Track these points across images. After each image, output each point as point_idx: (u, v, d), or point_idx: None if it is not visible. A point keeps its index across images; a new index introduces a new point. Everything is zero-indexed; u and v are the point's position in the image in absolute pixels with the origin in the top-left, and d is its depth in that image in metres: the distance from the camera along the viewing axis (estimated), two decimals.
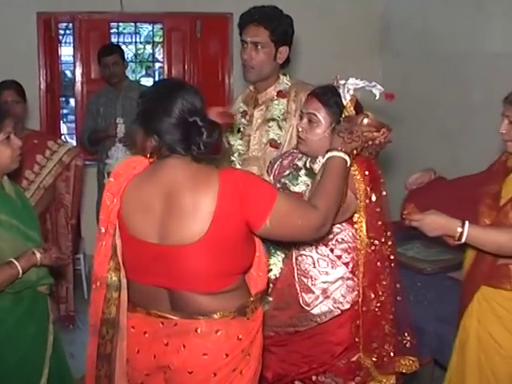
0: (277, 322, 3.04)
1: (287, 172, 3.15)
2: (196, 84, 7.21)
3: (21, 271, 2.97)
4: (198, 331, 2.46)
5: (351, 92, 2.91)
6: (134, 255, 2.51)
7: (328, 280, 2.98)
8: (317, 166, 2.99)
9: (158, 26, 8.10)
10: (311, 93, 3.03)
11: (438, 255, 4.49)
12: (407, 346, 3.01)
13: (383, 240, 2.93)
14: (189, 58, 7.41)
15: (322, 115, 2.94)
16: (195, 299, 2.46)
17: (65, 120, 9.15)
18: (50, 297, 3.36)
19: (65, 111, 9.18)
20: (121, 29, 8.83)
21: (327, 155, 2.71)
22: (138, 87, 5.99)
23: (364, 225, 2.89)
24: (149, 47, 9.08)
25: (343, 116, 2.89)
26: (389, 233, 2.94)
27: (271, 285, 3.09)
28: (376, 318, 2.93)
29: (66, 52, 8.32)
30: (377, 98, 2.89)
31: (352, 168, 2.80)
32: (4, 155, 3.02)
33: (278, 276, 3.11)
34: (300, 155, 3.13)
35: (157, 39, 8.54)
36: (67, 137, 9.07)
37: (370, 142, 2.82)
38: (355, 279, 2.95)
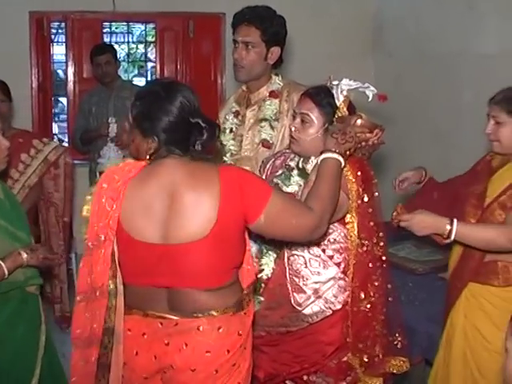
0: (268, 322, 3.05)
1: (280, 172, 3.15)
2: (188, 84, 7.18)
3: (6, 272, 2.96)
4: (201, 329, 2.48)
5: (344, 93, 2.92)
6: (134, 258, 2.49)
7: (320, 280, 2.98)
8: (309, 167, 2.99)
9: (150, 26, 8.09)
10: (304, 93, 3.03)
11: (430, 256, 4.50)
12: (398, 346, 3.02)
13: (375, 241, 2.94)
14: (181, 58, 7.41)
15: (315, 115, 2.94)
16: (196, 296, 2.47)
17: (57, 119, 9.11)
18: (42, 297, 3.35)
19: (57, 110, 9.14)
20: (113, 28, 8.80)
21: (321, 157, 2.72)
22: (131, 87, 5.98)
23: (355, 225, 2.90)
24: (141, 47, 9.07)
25: (336, 116, 2.90)
26: (381, 233, 2.95)
27: (263, 285, 3.10)
28: (367, 319, 2.93)
29: (59, 51, 8.29)
30: (370, 99, 2.90)
31: (344, 168, 2.80)
32: None
33: (269, 276, 3.11)
34: (292, 155, 3.13)
35: (149, 39, 8.52)
36: (59, 136, 9.04)
37: (364, 143, 2.83)
38: (347, 279, 2.96)
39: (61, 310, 5.15)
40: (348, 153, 2.77)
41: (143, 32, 8.63)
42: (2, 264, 2.96)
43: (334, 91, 2.93)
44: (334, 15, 7.18)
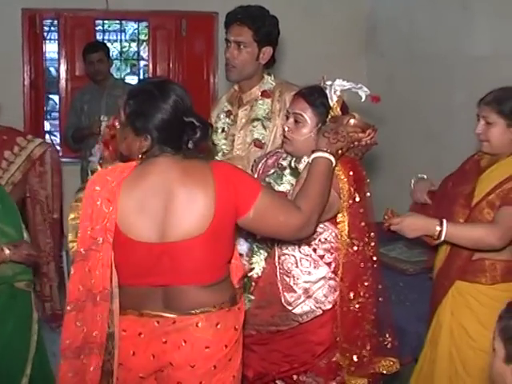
0: (258, 321, 3.05)
1: (272, 171, 3.15)
2: (181, 83, 7.15)
3: None
4: (199, 325, 2.49)
5: (338, 93, 2.92)
6: (131, 259, 2.48)
7: (310, 280, 2.98)
8: (302, 166, 2.99)
9: (143, 24, 8.08)
10: (298, 93, 3.03)
11: (421, 256, 4.50)
12: (388, 346, 3.03)
13: (366, 241, 2.94)
14: (174, 57, 7.39)
15: (308, 115, 2.94)
16: (193, 293, 2.49)
17: (48, 117, 9.09)
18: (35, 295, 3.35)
19: (48, 108, 9.12)
20: (106, 26, 8.80)
21: (312, 156, 2.73)
22: (123, 85, 5.97)
23: (346, 225, 2.90)
24: (134, 45, 9.09)
25: (329, 116, 2.90)
26: (372, 234, 2.95)
27: (253, 283, 3.11)
28: (357, 319, 2.93)
29: (51, 49, 8.27)
30: (362, 99, 2.90)
31: (336, 168, 2.81)
32: None
33: (260, 274, 3.12)
34: (285, 155, 3.13)
35: (142, 37, 8.52)
36: (53, 138, 9.03)
37: (356, 143, 2.84)
38: (337, 279, 2.96)
39: (51, 309, 5.11)
40: (340, 152, 2.77)
41: (136, 30, 8.63)
42: None
43: (327, 91, 2.94)
44: (327, 15, 7.18)
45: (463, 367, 3.21)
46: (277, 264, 3.03)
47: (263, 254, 3.13)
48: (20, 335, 3.20)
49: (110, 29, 9.22)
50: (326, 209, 2.78)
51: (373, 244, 2.95)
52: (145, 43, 8.23)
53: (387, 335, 3.01)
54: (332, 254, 2.98)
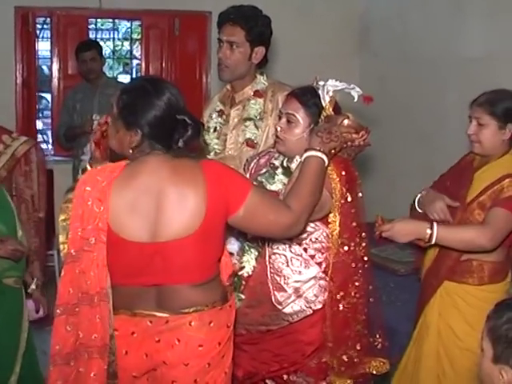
0: (248, 320, 3.05)
1: (264, 170, 3.15)
2: (173, 82, 7.19)
3: None
4: (192, 324, 2.49)
5: (330, 93, 2.92)
6: (123, 258, 2.47)
7: (301, 279, 2.98)
8: (294, 166, 2.99)
9: (136, 23, 8.08)
10: (291, 93, 3.04)
11: (412, 257, 4.50)
12: (378, 347, 3.03)
13: (357, 241, 2.94)
14: (166, 56, 7.40)
15: (300, 115, 2.95)
16: (185, 292, 2.49)
17: (41, 115, 9.08)
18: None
19: (41, 107, 9.11)
20: (99, 25, 8.78)
21: (305, 154, 2.74)
22: (116, 84, 5.96)
23: (337, 224, 2.90)
24: (127, 44, 9.06)
25: (323, 116, 2.91)
26: (363, 234, 2.96)
27: (244, 282, 3.11)
28: (347, 319, 2.94)
29: (43, 47, 8.27)
30: (355, 100, 2.91)
31: (329, 168, 2.81)
32: None
33: (250, 274, 3.12)
34: (277, 154, 3.13)
35: (135, 36, 8.51)
36: (44, 132, 9.02)
37: (349, 144, 2.84)
38: (328, 279, 2.96)
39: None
40: (333, 152, 2.78)
41: (129, 29, 8.62)
42: None
43: (320, 92, 2.94)
44: (320, 15, 7.19)
45: (451, 366, 3.24)
46: (267, 263, 3.03)
47: (254, 253, 3.13)
48: (9, 332, 3.19)
49: (102, 27, 9.20)
50: (318, 208, 2.78)
51: (364, 244, 2.96)
52: (138, 42, 8.21)
53: (377, 336, 3.01)
54: (323, 253, 2.98)
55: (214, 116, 3.64)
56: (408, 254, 4.57)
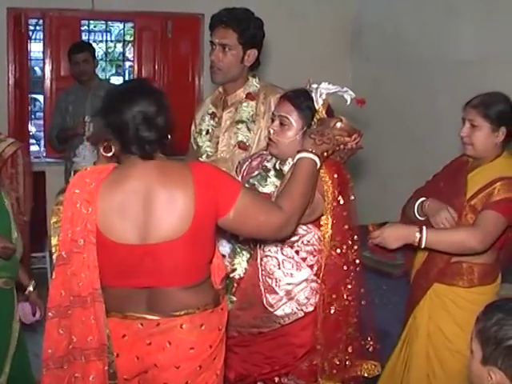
0: (240, 322, 3.04)
1: (256, 173, 3.15)
2: (166, 84, 7.21)
3: None
4: (183, 327, 2.49)
5: (324, 96, 2.92)
6: (113, 260, 2.47)
7: (292, 282, 2.98)
8: (286, 168, 2.99)
9: (129, 25, 8.07)
10: (284, 95, 3.04)
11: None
12: (370, 350, 3.03)
13: (350, 244, 2.95)
14: (159, 58, 7.40)
15: (293, 118, 2.95)
16: (176, 295, 2.49)
17: (33, 117, 9.06)
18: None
19: (33, 108, 9.09)
20: (92, 27, 8.80)
21: (297, 156, 2.74)
22: (108, 86, 5.93)
23: (329, 227, 2.90)
24: (119, 46, 9.06)
25: (315, 119, 2.91)
26: (355, 237, 2.96)
27: (235, 284, 3.11)
28: (339, 322, 2.94)
29: (36, 48, 8.26)
30: (348, 103, 2.91)
31: (321, 170, 2.82)
32: None
33: (242, 276, 3.12)
34: (269, 157, 3.13)
35: (128, 38, 8.50)
36: (36, 134, 9.00)
37: (342, 146, 2.84)
38: (319, 282, 2.97)
39: None
40: (325, 154, 2.78)
41: (121, 31, 8.61)
42: None
43: (313, 94, 2.94)
44: (312, 18, 7.20)
45: (441, 368, 3.24)
46: (259, 266, 3.03)
47: (245, 256, 3.13)
48: None
49: (95, 29, 9.21)
50: (310, 211, 2.79)
51: (356, 247, 2.96)
52: (130, 44, 8.21)
53: (369, 338, 3.02)
54: (315, 256, 2.98)
55: (206, 118, 3.63)
56: (400, 257, 4.57)
